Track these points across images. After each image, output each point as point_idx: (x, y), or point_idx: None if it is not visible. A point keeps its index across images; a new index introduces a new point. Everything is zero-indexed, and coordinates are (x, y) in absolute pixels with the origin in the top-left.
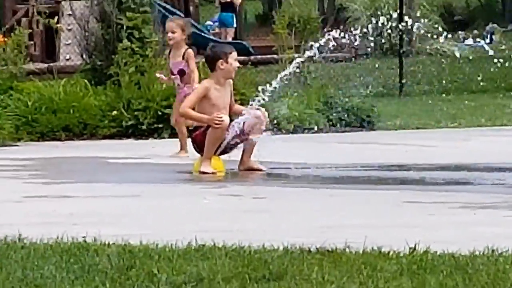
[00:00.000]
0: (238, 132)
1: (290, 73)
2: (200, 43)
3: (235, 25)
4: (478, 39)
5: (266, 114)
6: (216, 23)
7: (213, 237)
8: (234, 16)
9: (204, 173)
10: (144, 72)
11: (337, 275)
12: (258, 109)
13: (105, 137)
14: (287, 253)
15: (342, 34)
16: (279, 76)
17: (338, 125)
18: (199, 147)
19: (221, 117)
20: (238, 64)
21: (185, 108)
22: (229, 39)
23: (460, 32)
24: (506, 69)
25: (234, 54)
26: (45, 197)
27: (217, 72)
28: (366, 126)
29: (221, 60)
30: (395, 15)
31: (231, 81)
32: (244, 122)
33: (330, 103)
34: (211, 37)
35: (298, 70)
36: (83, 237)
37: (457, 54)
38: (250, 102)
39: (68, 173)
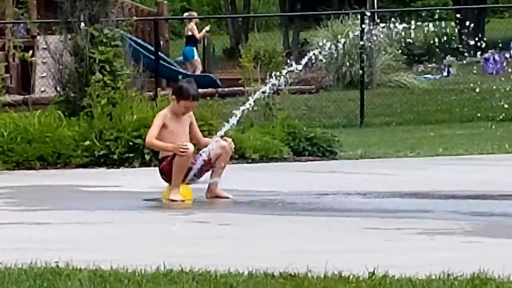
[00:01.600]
0: (205, 161)
1: (254, 103)
2: (170, 76)
3: (196, 58)
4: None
5: (232, 144)
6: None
7: (180, 262)
8: (195, 49)
9: (173, 200)
10: (116, 104)
11: None
12: (224, 139)
13: (78, 166)
14: (252, 277)
15: (302, 68)
16: (243, 106)
17: (302, 154)
18: (167, 177)
19: (185, 145)
20: (188, 111)
21: (151, 139)
22: (198, 72)
23: (418, 65)
24: (462, 100)
25: (189, 103)
26: (20, 224)
27: (172, 102)
28: (329, 155)
29: (173, 96)
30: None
31: (191, 113)
32: (210, 152)
33: (293, 133)
34: (181, 70)
35: (263, 102)
36: (56, 262)
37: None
38: (217, 134)
39: (42, 201)
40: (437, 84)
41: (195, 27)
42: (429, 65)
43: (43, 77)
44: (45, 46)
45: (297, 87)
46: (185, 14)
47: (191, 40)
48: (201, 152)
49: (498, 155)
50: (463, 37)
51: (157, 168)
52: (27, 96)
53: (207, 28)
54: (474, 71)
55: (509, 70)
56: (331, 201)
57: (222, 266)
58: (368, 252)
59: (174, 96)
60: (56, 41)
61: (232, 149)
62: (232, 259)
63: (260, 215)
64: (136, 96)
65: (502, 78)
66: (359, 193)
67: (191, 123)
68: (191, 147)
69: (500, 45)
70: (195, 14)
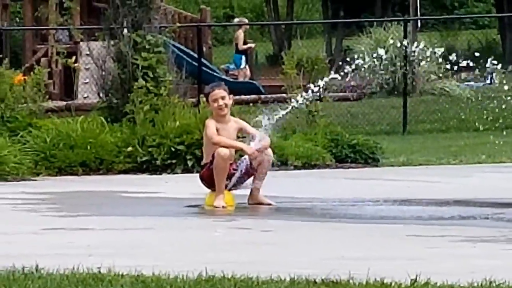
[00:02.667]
0: (247, 168)
1: (296, 109)
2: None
3: (242, 66)
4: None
5: (270, 152)
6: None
7: (222, 268)
8: (243, 57)
9: (215, 207)
10: (158, 110)
11: None
12: (263, 149)
13: (120, 172)
14: (294, 284)
15: (347, 75)
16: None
17: (344, 161)
18: (207, 183)
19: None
20: (220, 103)
21: (217, 136)
22: (246, 78)
23: (461, 72)
24: (505, 108)
25: (212, 93)
26: (62, 230)
27: (210, 109)
28: (371, 162)
29: (206, 101)
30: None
31: (239, 120)
32: (250, 159)
33: (336, 140)
34: (223, 76)
35: (306, 108)
36: (98, 268)
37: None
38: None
39: (85, 207)
40: (480, 91)
41: (241, 36)
42: (472, 73)
43: (86, 83)
44: (88, 52)
45: (340, 94)
46: (235, 20)
47: (240, 51)
48: (242, 159)
49: None
50: (506, 44)
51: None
52: (69, 102)
53: (252, 45)
54: None
55: None
56: (373, 208)
57: (264, 273)
58: (410, 259)
59: (206, 101)
60: (99, 47)
61: (272, 156)
62: (273, 266)
63: (302, 222)
64: (178, 102)
65: None
66: (402, 200)
67: (242, 127)
68: (229, 152)
69: None
70: (245, 20)
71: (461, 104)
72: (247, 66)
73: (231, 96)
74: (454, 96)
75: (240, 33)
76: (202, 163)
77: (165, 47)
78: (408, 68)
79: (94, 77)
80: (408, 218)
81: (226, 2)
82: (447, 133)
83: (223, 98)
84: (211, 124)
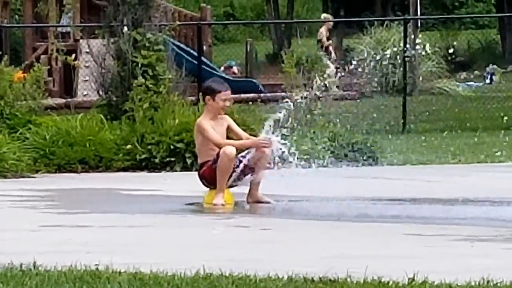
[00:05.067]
0: (245, 166)
1: (296, 108)
2: None
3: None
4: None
5: (273, 145)
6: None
7: (220, 266)
8: None
9: (215, 205)
10: (158, 108)
11: None
12: (265, 142)
13: (119, 169)
14: (291, 282)
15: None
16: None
17: (343, 160)
18: (208, 182)
19: (266, 138)
20: (227, 104)
21: (224, 142)
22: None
23: (461, 72)
24: (504, 108)
25: (224, 93)
26: (61, 227)
27: (207, 106)
28: (370, 162)
29: (208, 97)
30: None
31: (227, 116)
32: (249, 157)
33: (335, 139)
34: (223, 75)
35: (305, 107)
36: (96, 265)
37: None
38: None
39: (83, 204)
40: (479, 91)
41: (324, 32)
42: (472, 73)
43: (85, 80)
44: (88, 50)
45: (340, 92)
46: (322, 16)
47: (323, 48)
48: (239, 156)
49: None
50: (506, 44)
51: None
52: (69, 100)
53: (331, 48)
54: None
55: None
56: (371, 207)
57: (262, 271)
58: (408, 258)
59: (208, 97)
60: (99, 45)
61: (271, 154)
62: (271, 264)
63: (300, 220)
64: (178, 100)
65: None
66: (400, 199)
67: (229, 125)
68: (233, 150)
69: None
70: (330, 17)
71: (461, 104)
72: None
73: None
74: (454, 95)
75: (324, 30)
76: (201, 161)
77: (165, 45)
78: (407, 67)
79: (94, 75)
80: (406, 217)
81: (227, 0)
82: (446, 132)
83: (230, 99)
84: (208, 127)
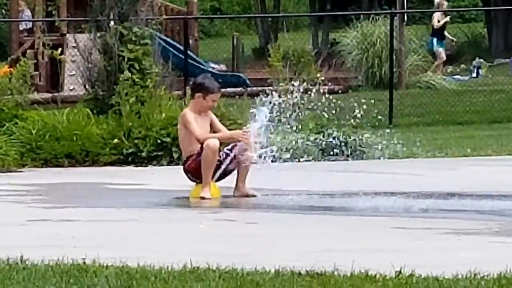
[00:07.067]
0: (231, 160)
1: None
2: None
3: (437, 49)
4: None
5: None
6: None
7: (207, 260)
8: (435, 40)
9: (202, 198)
10: (144, 102)
11: None
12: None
13: (106, 164)
14: (278, 275)
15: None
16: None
17: (330, 154)
18: (193, 175)
19: (245, 130)
20: (215, 104)
21: (204, 136)
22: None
23: (448, 66)
24: (491, 102)
25: (216, 94)
26: (48, 221)
27: (195, 101)
28: (357, 155)
29: (199, 94)
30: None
31: (210, 112)
32: (233, 148)
33: (322, 133)
34: (209, 69)
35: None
36: (83, 259)
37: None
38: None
39: (70, 198)
40: (466, 85)
41: (437, 16)
42: (459, 66)
43: (72, 75)
44: (74, 44)
45: (326, 86)
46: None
47: (435, 31)
48: (225, 149)
49: None
50: (493, 38)
51: None
52: (56, 94)
53: (446, 19)
54: (504, 73)
55: None
56: (358, 200)
57: (249, 264)
58: (395, 251)
59: (199, 94)
60: (85, 39)
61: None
62: (259, 258)
63: (288, 214)
64: (164, 94)
65: None
66: (387, 193)
67: (212, 120)
68: (217, 143)
69: None
70: (445, 3)
71: (447, 97)
72: (440, 48)
73: None
74: (440, 89)
75: (438, 14)
76: (186, 155)
77: (152, 39)
78: (394, 61)
79: (80, 69)
80: (393, 211)
81: None
82: (433, 126)
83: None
84: (192, 120)
